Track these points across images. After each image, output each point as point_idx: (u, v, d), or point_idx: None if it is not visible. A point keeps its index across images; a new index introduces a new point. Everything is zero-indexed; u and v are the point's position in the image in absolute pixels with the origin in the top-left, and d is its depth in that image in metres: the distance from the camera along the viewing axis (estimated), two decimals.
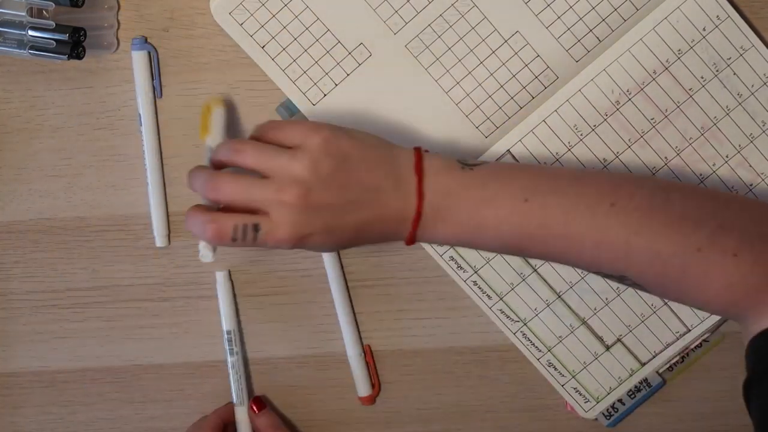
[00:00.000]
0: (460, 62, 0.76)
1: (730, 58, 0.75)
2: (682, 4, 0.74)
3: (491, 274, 0.79)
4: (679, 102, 0.76)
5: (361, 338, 0.81)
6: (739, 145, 0.77)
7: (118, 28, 0.76)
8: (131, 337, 0.82)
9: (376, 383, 0.82)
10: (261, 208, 0.65)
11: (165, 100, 0.77)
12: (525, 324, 0.79)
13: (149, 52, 0.76)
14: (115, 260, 0.81)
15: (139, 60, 0.76)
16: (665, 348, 0.80)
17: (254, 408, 0.81)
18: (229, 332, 0.80)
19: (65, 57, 0.72)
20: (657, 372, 0.81)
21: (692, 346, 0.80)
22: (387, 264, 0.80)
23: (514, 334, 0.79)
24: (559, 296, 0.79)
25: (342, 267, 0.80)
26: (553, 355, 0.80)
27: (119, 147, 0.78)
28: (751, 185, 0.77)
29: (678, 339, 0.79)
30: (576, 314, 0.79)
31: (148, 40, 0.76)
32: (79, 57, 0.73)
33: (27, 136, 0.78)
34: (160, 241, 0.79)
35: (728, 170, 0.77)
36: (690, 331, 0.79)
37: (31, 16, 0.72)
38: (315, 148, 0.65)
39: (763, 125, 0.77)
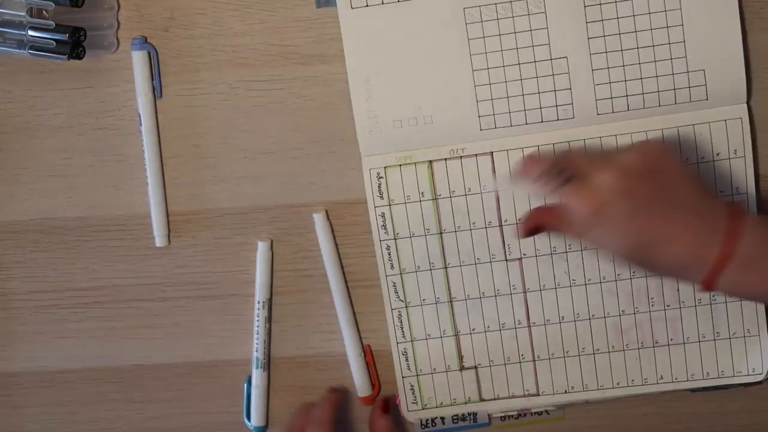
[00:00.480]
0: (501, 52, 0.76)
1: (722, 192, 0.76)
2: (714, 122, 0.75)
3: (406, 248, 0.78)
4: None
5: (361, 338, 0.81)
6: None
7: (118, 28, 0.76)
8: (131, 337, 0.82)
9: (376, 383, 0.82)
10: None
11: (165, 100, 0.77)
12: (406, 307, 0.79)
13: (149, 52, 0.76)
14: (115, 260, 0.81)
15: (139, 60, 0.76)
16: (509, 398, 0.80)
17: (382, 407, 0.80)
18: None
19: (65, 57, 0.72)
20: (488, 414, 0.81)
21: (533, 411, 0.81)
22: None
23: (392, 311, 0.79)
24: (451, 301, 0.79)
25: (342, 267, 0.80)
26: (412, 348, 0.80)
27: (119, 147, 0.79)
28: (668, 306, 0.78)
29: (524, 397, 0.80)
30: (455, 324, 0.79)
31: (148, 40, 0.76)
32: (79, 57, 0.73)
33: (27, 136, 0.79)
34: (160, 241, 0.79)
35: (657, 284, 0.78)
36: (538, 396, 0.80)
37: (31, 16, 0.72)
38: (636, 150, 0.68)
39: None
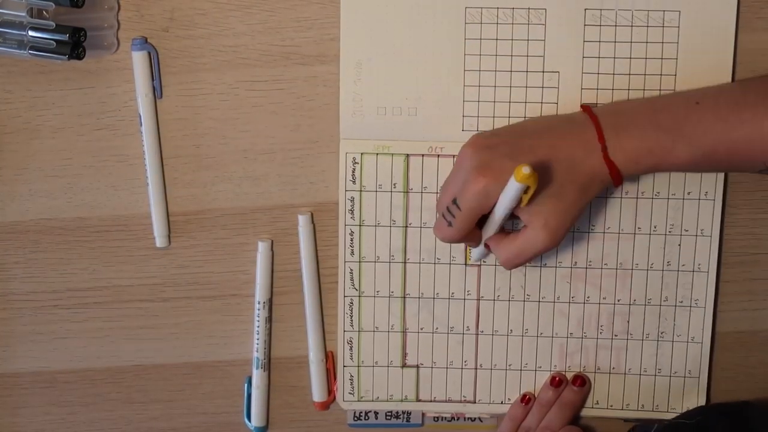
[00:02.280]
0: (495, 56, 0.76)
1: (687, 231, 0.77)
2: None
3: (370, 237, 0.78)
4: (622, 230, 0.77)
5: (325, 344, 0.81)
6: (634, 301, 0.79)
7: (118, 29, 0.76)
8: (131, 337, 0.82)
9: (333, 390, 0.82)
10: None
11: (165, 100, 0.77)
12: (359, 296, 0.79)
13: (149, 53, 0.76)
14: (115, 260, 0.81)
15: (139, 60, 0.76)
16: (444, 402, 0.81)
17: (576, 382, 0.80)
18: None
19: (65, 57, 0.72)
20: (422, 413, 0.82)
21: (467, 416, 0.82)
22: None
23: (344, 297, 0.80)
24: (404, 297, 0.79)
25: (318, 272, 0.80)
26: (358, 338, 0.80)
27: (119, 147, 0.78)
28: (615, 335, 0.79)
29: (460, 402, 0.81)
30: (404, 320, 0.80)
31: (148, 40, 0.76)
32: (80, 57, 0.73)
33: (27, 137, 0.79)
34: (160, 241, 0.79)
35: (609, 312, 0.79)
36: (474, 403, 0.81)
37: (31, 17, 0.72)
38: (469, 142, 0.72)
39: (665, 300, 0.78)
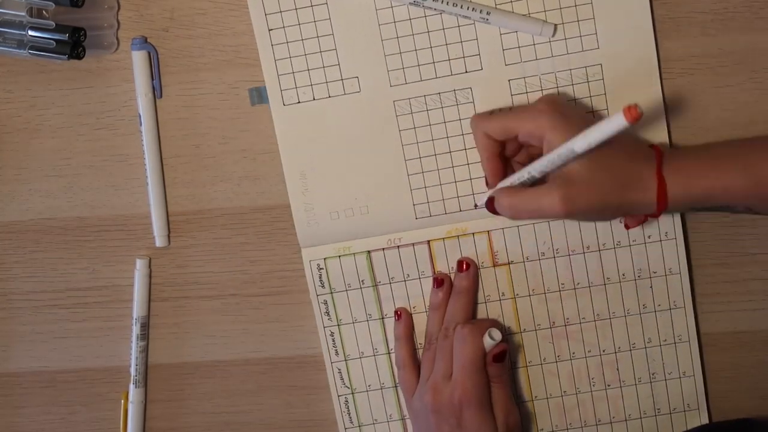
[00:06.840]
0: (432, 141, 0.76)
1: (655, 272, 0.77)
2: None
3: (350, 334, 0.79)
4: (592, 283, 0.78)
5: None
6: (619, 348, 0.79)
7: (118, 28, 0.76)
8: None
9: None
10: None
11: (165, 100, 0.78)
12: (352, 393, 0.80)
13: (149, 52, 0.76)
14: (115, 260, 0.81)
15: (139, 60, 0.76)
16: None
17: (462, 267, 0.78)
18: None
19: (65, 57, 0.73)
20: None
21: None
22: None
23: (339, 397, 0.80)
24: (396, 386, 0.80)
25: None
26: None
27: (119, 147, 0.79)
28: (608, 385, 0.79)
29: None
30: (400, 408, 0.80)
31: (148, 40, 0.76)
32: (79, 57, 0.73)
33: (27, 136, 0.79)
34: (159, 241, 0.79)
35: (597, 363, 0.79)
36: None
37: (31, 16, 0.72)
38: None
39: (648, 342, 0.78)
